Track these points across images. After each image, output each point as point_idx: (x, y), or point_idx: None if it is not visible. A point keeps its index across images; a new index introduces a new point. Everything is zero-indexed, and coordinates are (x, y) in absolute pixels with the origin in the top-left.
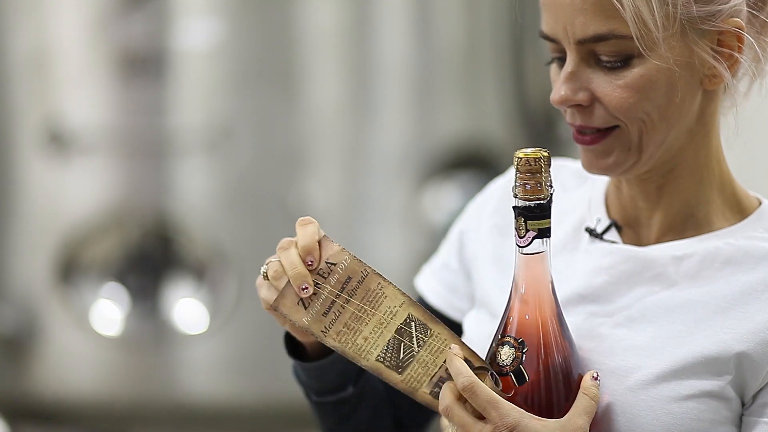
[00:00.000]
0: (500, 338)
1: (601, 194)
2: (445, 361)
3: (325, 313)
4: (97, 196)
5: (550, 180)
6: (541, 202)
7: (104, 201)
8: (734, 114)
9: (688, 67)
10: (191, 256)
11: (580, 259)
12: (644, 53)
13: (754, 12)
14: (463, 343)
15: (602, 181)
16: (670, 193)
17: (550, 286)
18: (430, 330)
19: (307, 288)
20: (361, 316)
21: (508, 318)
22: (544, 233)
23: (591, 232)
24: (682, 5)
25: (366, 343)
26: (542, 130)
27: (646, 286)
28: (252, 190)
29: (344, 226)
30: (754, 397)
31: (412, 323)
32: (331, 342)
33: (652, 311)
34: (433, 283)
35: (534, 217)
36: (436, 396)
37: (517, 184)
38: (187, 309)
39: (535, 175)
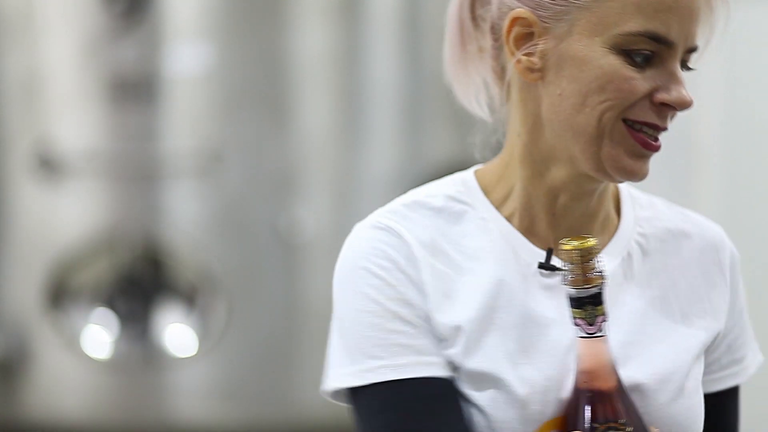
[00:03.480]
0: (602, 427)
1: (510, 240)
2: None
3: None
4: (87, 220)
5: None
6: (603, 288)
7: (95, 225)
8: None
9: None
10: (181, 280)
11: (545, 298)
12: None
13: None
14: None
15: (496, 232)
16: (600, 199)
17: (614, 361)
18: None
19: None
20: None
21: (600, 404)
22: (607, 316)
23: (545, 266)
24: None
25: None
26: None
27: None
28: (242, 214)
29: (334, 250)
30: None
31: None
32: None
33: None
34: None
35: (601, 302)
36: None
37: (576, 273)
38: (176, 333)
39: (591, 262)
